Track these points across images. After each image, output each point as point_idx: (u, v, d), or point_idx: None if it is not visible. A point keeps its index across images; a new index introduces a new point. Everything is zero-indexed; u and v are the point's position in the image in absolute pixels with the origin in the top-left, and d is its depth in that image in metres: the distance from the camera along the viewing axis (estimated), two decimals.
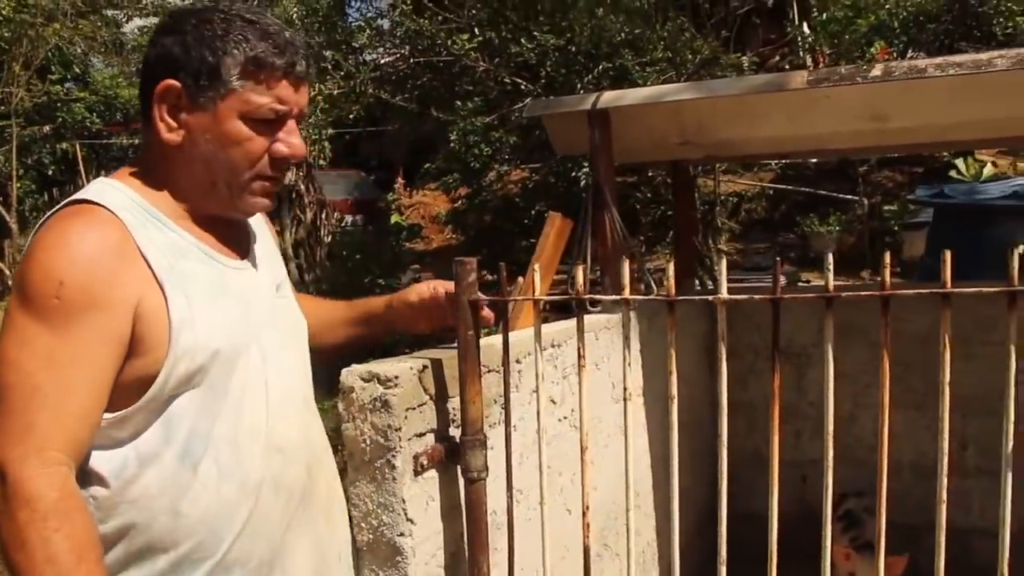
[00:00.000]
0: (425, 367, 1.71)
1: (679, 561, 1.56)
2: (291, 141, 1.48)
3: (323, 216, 12.58)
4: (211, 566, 1.41)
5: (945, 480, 1.38)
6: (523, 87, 6.06)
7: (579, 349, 1.55)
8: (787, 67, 12.20)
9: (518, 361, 2.08)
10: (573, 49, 5.91)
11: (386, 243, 11.32)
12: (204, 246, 1.46)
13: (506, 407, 1.73)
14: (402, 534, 1.65)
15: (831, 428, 1.41)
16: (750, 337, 3.78)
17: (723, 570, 1.52)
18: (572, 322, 2.45)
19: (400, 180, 17.47)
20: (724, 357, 1.46)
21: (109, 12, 19.03)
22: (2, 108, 12.53)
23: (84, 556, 1.24)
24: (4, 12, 11.39)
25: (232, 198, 1.48)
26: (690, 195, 4.10)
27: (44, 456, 1.24)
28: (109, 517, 1.34)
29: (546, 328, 2.14)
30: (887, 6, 11.60)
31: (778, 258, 1.58)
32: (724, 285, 1.44)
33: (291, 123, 1.48)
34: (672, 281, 1.48)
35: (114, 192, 1.41)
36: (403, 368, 1.65)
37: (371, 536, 1.68)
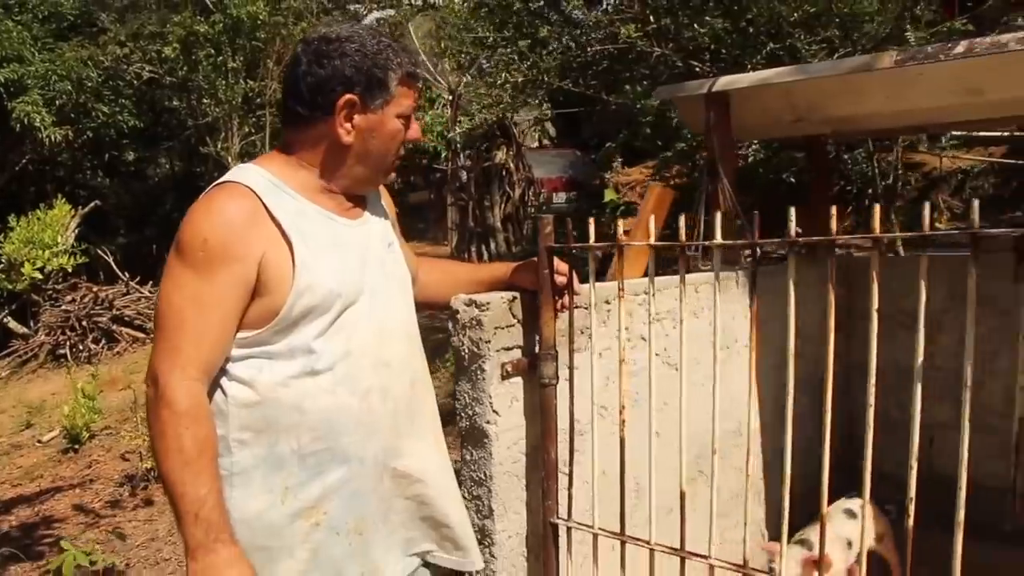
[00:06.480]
0: (515, 298, 2.23)
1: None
2: (415, 128, 1.88)
3: (530, 193, 13.28)
4: (329, 456, 1.73)
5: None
6: (697, 69, 6.33)
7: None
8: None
9: (607, 302, 2.52)
10: (752, 31, 6.11)
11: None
12: (323, 209, 1.79)
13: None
14: (488, 422, 2.19)
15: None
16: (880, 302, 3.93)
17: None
18: (668, 278, 2.81)
19: (619, 158, 17.77)
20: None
21: (351, 7, 20.71)
22: (259, 100, 14.17)
23: (203, 451, 1.60)
24: (261, 16, 12.90)
25: (378, 177, 1.89)
26: (826, 170, 4.29)
27: (185, 372, 1.60)
28: (250, 413, 1.68)
29: (643, 280, 2.51)
30: None
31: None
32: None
33: (412, 115, 1.88)
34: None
35: (249, 172, 1.75)
36: (495, 297, 2.19)
37: (467, 423, 2.23)
